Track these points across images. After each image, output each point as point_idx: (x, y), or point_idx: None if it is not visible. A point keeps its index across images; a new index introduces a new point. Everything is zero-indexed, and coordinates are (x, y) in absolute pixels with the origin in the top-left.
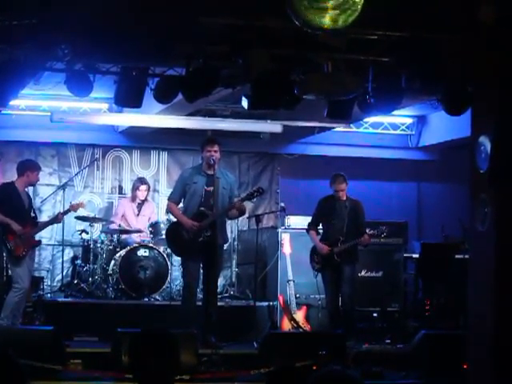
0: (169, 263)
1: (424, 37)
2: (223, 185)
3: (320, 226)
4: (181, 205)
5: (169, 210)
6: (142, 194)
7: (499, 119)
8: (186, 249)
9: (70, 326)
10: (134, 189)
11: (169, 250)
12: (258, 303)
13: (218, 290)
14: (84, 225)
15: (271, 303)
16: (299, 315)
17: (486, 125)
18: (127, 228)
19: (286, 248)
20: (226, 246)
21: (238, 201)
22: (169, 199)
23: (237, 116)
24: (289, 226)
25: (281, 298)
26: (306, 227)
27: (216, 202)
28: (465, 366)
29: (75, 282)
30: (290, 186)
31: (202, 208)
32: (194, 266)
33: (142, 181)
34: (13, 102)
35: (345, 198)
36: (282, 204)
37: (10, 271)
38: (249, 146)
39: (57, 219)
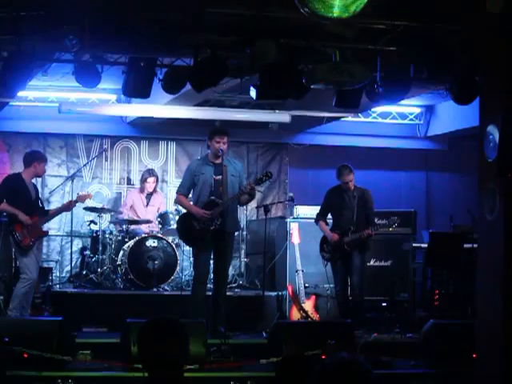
0: (178, 253)
1: (432, 26)
2: (232, 172)
3: (329, 217)
4: (190, 196)
5: (178, 203)
6: (149, 185)
7: (507, 108)
8: (197, 239)
9: (79, 316)
10: (143, 180)
11: (178, 240)
12: (266, 293)
13: (228, 280)
14: (93, 215)
15: (280, 293)
16: (308, 305)
17: (494, 114)
18: (136, 218)
19: (295, 238)
20: (235, 236)
21: (248, 184)
22: (177, 192)
23: (245, 106)
24: (297, 215)
25: (290, 288)
26: (315, 218)
27: (226, 189)
28: (474, 355)
29: (84, 272)
30: (299, 175)
31: (213, 197)
32: (205, 256)
33: (150, 173)
34: (21, 94)
35: (353, 188)
36: (291, 194)
37: (17, 262)
38: (257, 136)
39: (69, 206)
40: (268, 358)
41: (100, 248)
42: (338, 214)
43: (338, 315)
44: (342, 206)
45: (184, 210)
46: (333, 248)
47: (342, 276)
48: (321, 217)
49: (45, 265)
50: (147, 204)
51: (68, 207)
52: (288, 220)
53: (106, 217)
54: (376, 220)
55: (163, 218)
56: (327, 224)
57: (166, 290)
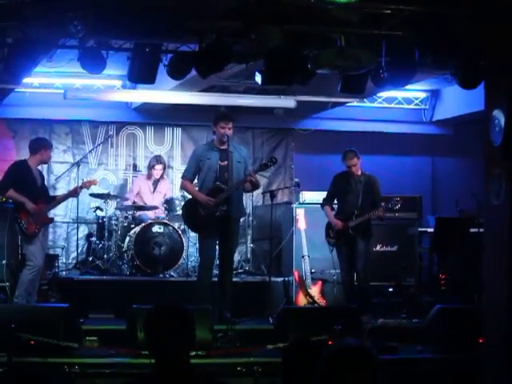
0: (184, 239)
1: (437, 10)
2: (237, 158)
3: (335, 202)
4: (196, 181)
5: (183, 188)
6: (157, 172)
7: None
8: (202, 225)
9: (85, 303)
10: (150, 167)
11: (184, 227)
12: (273, 279)
13: (234, 265)
14: (98, 202)
15: (286, 279)
16: (314, 290)
17: (500, 98)
18: (142, 204)
19: (301, 223)
20: (241, 222)
21: (251, 172)
22: (182, 177)
23: (250, 92)
24: (303, 201)
25: (296, 274)
26: (321, 203)
27: (231, 175)
28: (480, 340)
29: (90, 259)
30: (305, 161)
31: (218, 183)
32: (211, 242)
33: (157, 160)
34: (26, 80)
35: (359, 173)
36: (297, 179)
37: (23, 249)
38: (263, 122)
39: (75, 192)
40: (274, 344)
41: (106, 234)
42: (343, 198)
43: (344, 300)
44: (347, 190)
45: (190, 196)
46: (337, 233)
47: (347, 261)
48: (327, 202)
49: (51, 251)
50: (154, 190)
51: (74, 193)
52: (294, 205)
53: (112, 203)
54: (382, 205)
55: (169, 204)
56: (333, 209)
57: (172, 276)
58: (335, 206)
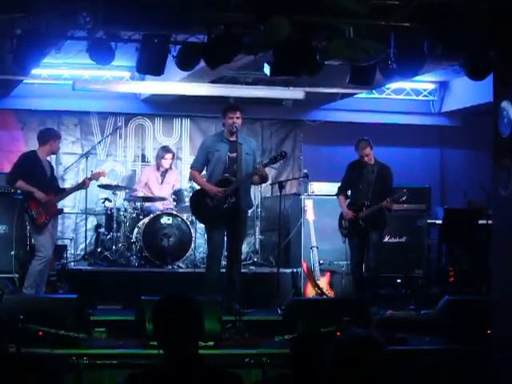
0: (192, 231)
1: (445, 1)
2: (246, 150)
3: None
4: (204, 172)
5: (192, 178)
6: (167, 162)
7: None
8: (210, 216)
9: (94, 294)
10: (159, 158)
11: (192, 218)
12: (281, 270)
13: (242, 257)
14: (107, 193)
15: (295, 270)
16: (323, 282)
17: (509, 90)
18: (150, 196)
19: (310, 214)
20: (249, 213)
21: (260, 166)
22: (191, 167)
23: (259, 83)
24: (312, 192)
25: (304, 265)
26: (336, 193)
27: (240, 167)
28: (489, 332)
29: (99, 250)
30: (313, 152)
31: (226, 174)
32: (219, 233)
33: (166, 149)
34: (35, 71)
35: (373, 163)
36: (305, 170)
37: (32, 240)
38: (271, 113)
39: (84, 184)
40: (283, 335)
41: (114, 225)
42: (356, 187)
43: (352, 292)
44: (360, 180)
45: (198, 187)
46: (349, 224)
47: (358, 252)
48: (341, 191)
49: (59, 242)
50: (162, 181)
51: (83, 185)
52: (302, 197)
53: (121, 194)
54: None
55: (178, 195)
56: (347, 198)
57: (181, 268)
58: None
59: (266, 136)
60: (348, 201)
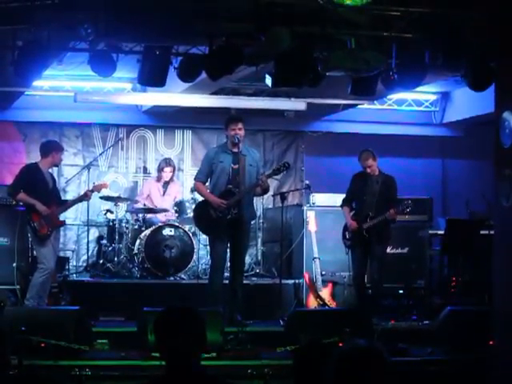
0: (194, 242)
1: (447, 12)
2: (249, 162)
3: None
4: (207, 184)
5: (195, 190)
6: (166, 175)
7: None
8: (213, 227)
9: (96, 305)
10: (159, 170)
11: (194, 229)
12: (283, 281)
13: (244, 268)
14: (109, 204)
15: (297, 281)
16: (325, 292)
17: (510, 100)
18: (152, 207)
19: (312, 225)
20: (252, 224)
21: (263, 177)
22: (195, 179)
23: (261, 94)
24: (314, 203)
25: (306, 276)
26: (341, 204)
27: (243, 179)
28: (491, 342)
29: (101, 261)
30: (315, 163)
31: (230, 186)
32: (222, 244)
33: (167, 162)
34: (36, 83)
35: (377, 174)
36: (307, 182)
37: (34, 252)
38: (273, 124)
39: (86, 196)
40: (285, 346)
41: (116, 237)
42: (360, 199)
43: (354, 303)
44: (364, 191)
45: (201, 198)
46: (353, 235)
47: (360, 264)
48: (345, 202)
49: (61, 254)
50: (164, 193)
51: (84, 198)
52: (304, 208)
53: (123, 206)
54: None
55: (180, 206)
56: (352, 210)
57: (183, 279)
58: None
59: (268, 147)
60: (353, 212)
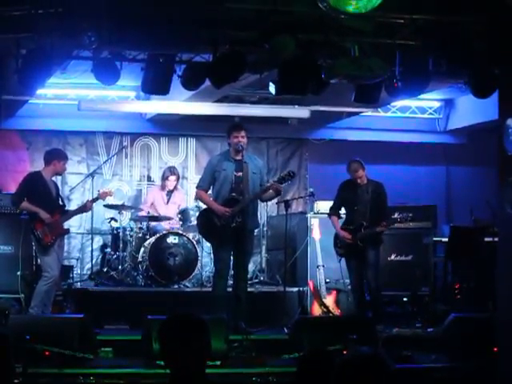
0: (198, 250)
1: (450, 19)
2: (253, 169)
3: (342, 211)
4: (210, 192)
5: (198, 198)
6: (170, 183)
7: None
8: (217, 235)
9: (100, 314)
10: (164, 178)
11: (198, 237)
12: (287, 289)
13: (248, 275)
14: (113, 213)
15: (301, 288)
16: (329, 300)
17: None
18: (156, 215)
19: (316, 233)
20: (256, 232)
21: (272, 183)
22: (197, 187)
23: (264, 102)
24: (318, 211)
25: (311, 283)
26: (328, 212)
27: (246, 187)
28: (495, 349)
29: (105, 270)
30: (319, 171)
31: (233, 194)
32: (226, 252)
33: (171, 171)
34: (40, 91)
35: (366, 182)
36: (311, 189)
37: (39, 260)
38: (277, 132)
39: (85, 207)
40: (290, 354)
41: (121, 245)
42: (352, 208)
43: (356, 311)
44: (355, 200)
45: (204, 206)
46: (346, 244)
47: (357, 272)
48: (333, 211)
49: (65, 262)
50: (168, 201)
51: (85, 207)
52: (308, 215)
53: (127, 214)
54: (396, 215)
55: (184, 214)
56: (340, 218)
57: (187, 287)
58: (343, 216)
59: (272, 155)
60: (342, 221)
